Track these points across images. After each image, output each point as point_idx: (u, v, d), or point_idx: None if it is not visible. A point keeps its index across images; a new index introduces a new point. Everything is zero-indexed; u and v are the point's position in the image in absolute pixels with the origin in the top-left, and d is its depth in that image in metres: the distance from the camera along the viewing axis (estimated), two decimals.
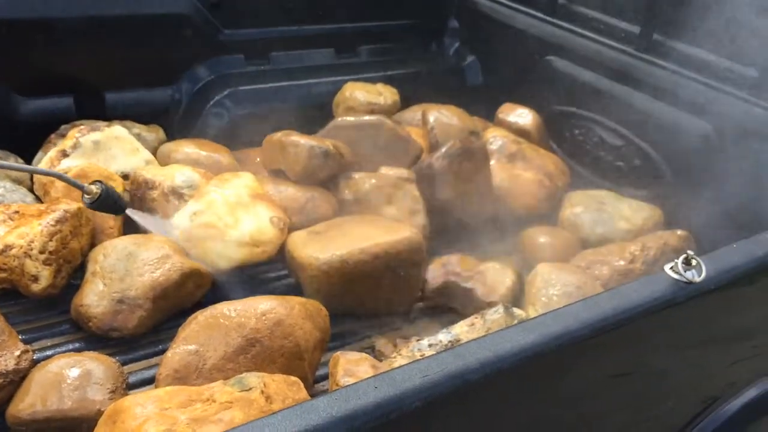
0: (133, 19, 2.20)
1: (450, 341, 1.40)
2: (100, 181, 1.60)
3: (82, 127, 2.01)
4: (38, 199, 1.92)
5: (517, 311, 1.49)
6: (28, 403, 1.36)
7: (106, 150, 1.99)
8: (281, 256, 1.83)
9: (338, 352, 1.44)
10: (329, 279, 1.69)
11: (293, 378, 1.32)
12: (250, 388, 1.21)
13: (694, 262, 1.18)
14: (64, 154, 1.94)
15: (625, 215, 2.05)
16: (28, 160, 2.06)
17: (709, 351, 1.44)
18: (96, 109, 2.21)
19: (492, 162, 2.18)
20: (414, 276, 1.81)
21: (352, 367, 1.35)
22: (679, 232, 1.91)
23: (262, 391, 1.21)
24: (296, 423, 0.83)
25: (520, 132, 2.39)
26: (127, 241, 1.72)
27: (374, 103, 2.43)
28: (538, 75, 2.53)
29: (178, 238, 1.75)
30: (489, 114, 2.54)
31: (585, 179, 2.36)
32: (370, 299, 1.77)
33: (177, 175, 1.90)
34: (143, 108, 2.29)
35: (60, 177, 1.61)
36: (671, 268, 1.18)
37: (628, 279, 1.75)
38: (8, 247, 1.62)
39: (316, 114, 2.34)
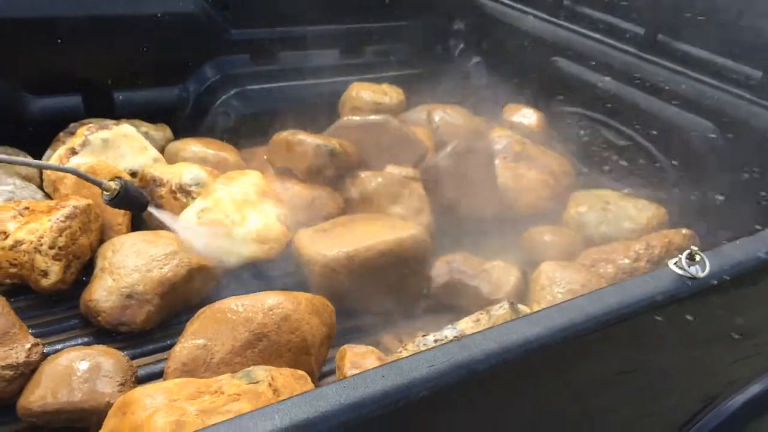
0: (141, 18, 2.22)
1: (455, 336, 1.40)
2: (119, 177, 1.59)
3: (90, 125, 2.03)
4: (48, 196, 1.93)
5: (522, 307, 1.50)
6: (39, 395, 1.37)
7: (114, 148, 2.00)
8: (288, 253, 1.84)
9: (345, 345, 1.45)
10: (336, 275, 1.71)
11: (300, 372, 1.33)
12: (258, 381, 1.22)
13: (698, 258, 1.19)
14: (73, 152, 1.96)
15: (630, 214, 2.06)
16: (37, 158, 2.07)
17: (711, 349, 1.44)
18: (104, 107, 2.23)
19: (497, 162, 2.20)
20: (419, 274, 1.82)
21: (359, 360, 1.36)
22: (683, 230, 1.92)
23: (270, 384, 1.22)
24: (305, 410, 0.84)
25: (524, 132, 2.40)
26: (136, 238, 1.74)
27: (380, 103, 2.45)
28: (543, 75, 2.54)
29: (197, 235, 1.75)
30: (494, 114, 2.55)
31: (589, 179, 2.37)
32: (376, 296, 1.78)
33: (185, 172, 1.92)
34: (151, 107, 2.31)
35: (77, 173, 1.61)
36: (675, 263, 1.18)
37: (632, 277, 1.76)
38: (18, 243, 1.63)
39: (322, 113, 2.35)
